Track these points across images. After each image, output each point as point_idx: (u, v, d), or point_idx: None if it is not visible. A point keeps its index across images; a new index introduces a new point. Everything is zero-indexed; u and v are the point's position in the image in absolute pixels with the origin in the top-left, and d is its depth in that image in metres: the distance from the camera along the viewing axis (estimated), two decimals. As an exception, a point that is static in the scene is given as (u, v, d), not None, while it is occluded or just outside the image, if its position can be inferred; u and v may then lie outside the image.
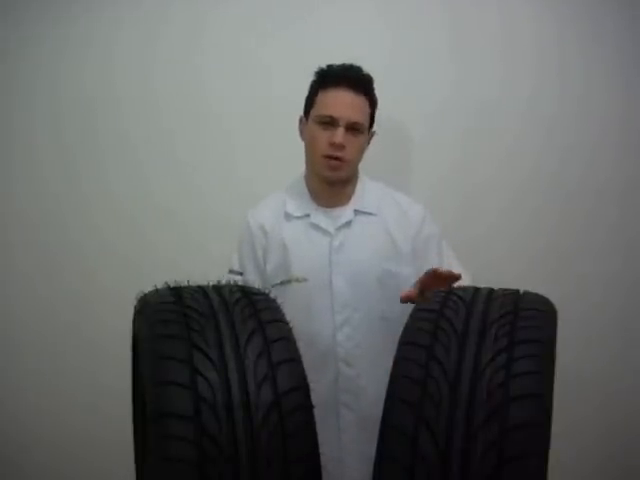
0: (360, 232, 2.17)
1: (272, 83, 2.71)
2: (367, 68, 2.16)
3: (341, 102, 2.09)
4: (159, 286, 1.67)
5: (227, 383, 1.45)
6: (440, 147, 2.73)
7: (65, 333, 2.84)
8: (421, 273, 2.12)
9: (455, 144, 2.73)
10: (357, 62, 2.15)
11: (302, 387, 1.53)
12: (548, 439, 1.57)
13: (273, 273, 2.18)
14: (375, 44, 2.69)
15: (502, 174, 2.73)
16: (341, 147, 2.09)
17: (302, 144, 2.20)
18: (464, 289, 1.71)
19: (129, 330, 1.75)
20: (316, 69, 2.17)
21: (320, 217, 2.18)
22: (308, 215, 2.19)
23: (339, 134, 2.08)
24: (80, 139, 2.81)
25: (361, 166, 2.22)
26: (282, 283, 2.15)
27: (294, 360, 1.55)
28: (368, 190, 2.24)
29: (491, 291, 1.65)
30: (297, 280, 2.14)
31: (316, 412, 1.55)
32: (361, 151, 2.17)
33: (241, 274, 2.19)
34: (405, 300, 1.94)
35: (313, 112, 2.14)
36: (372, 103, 2.16)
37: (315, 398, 1.55)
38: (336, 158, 2.11)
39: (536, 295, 1.65)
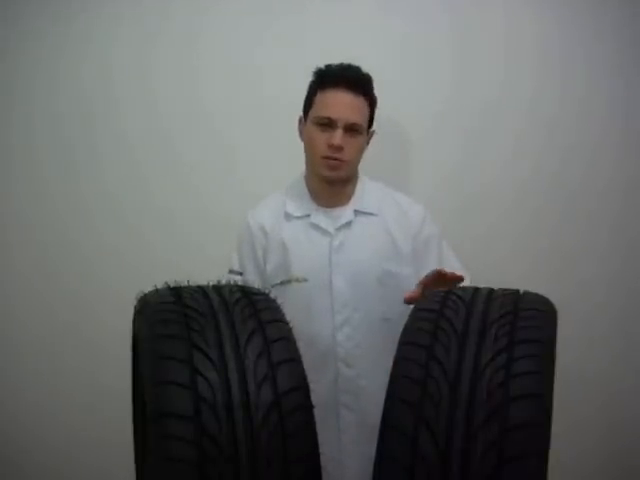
0: (360, 232, 2.17)
1: (272, 83, 2.71)
2: (367, 68, 2.16)
3: (339, 103, 2.09)
4: (159, 286, 1.67)
5: (227, 383, 1.44)
6: (441, 147, 2.73)
7: (64, 333, 2.84)
8: (421, 273, 2.13)
9: (456, 144, 2.73)
10: (358, 62, 2.15)
11: (302, 387, 1.53)
12: (548, 439, 1.56)
13: (273, 273, 2.17)
14: (375, 44, 2.68)
15: (503, 174, 2.73)
16: (340, 149, 2.09)
17: (302, 144, 2.20)
18: (464, 289, 1.71)
19: (129, 330, 1.74)
20: (315, 69, 2.17)
21: (320, 217, 2.18)
22: (308, 215, 2.19)
23: (337, 136, 2.08)
24: (79, 138, 2.81)
25: (361, 166, 2.22)
26: (282, 283, 2.15)
27: (294, 360, 1.55)
28: (368, 190, 2.24)
29: (491, 291, 1.65)
30: (297, 280, 2.14)
31: (316, 412, 1.54)
32: (360, 151, 2.17)
33: (241, 274, 2.19)
34: (409, 302, 1.93)
35: (312, 113, 2.14)
36: (371, 103, 2.15)
37: (315, 398, 1.55)
38: (335, 159, 2.11)
39: (536, 295, 1.65)
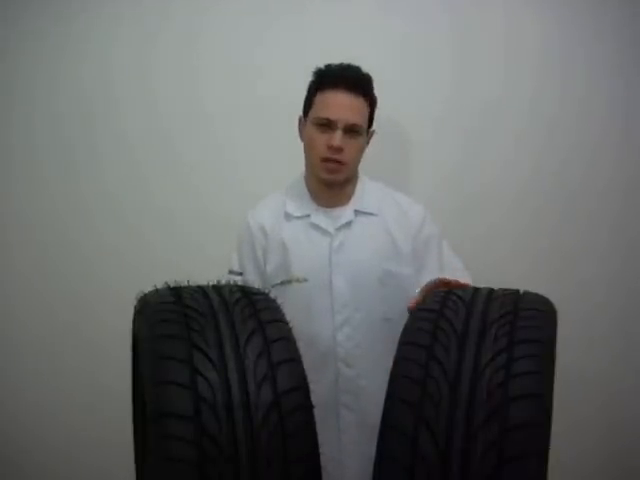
0: (360, 232, 2.17)
1: (272, 83, 2.71)
2: (367, 68, 2.15)
3: (339, 104, 2.09)
4: (159, 286, 1.67)
5: (227, 383, 1.45)
6: (441, 147, 2.73)
7: (64, 333, 2.84)
8: (421, 273, 2.14)
9: (456, 144, 2.73)
10: (358, 62, 2.15)
11: (302, 387, 1.53)
12: (548, 439, 1.57)
13: (273, 273, 2.17)
14: (375, 44, 2.68)
15: (503, 174, 2.73)
16: (339, 150, 2.09)
17: (302, 144, 2.20)
18: (464, 289, 1.71)
19: (129, 330, 1.75)
20: (314, 69, 2.16)
21: (320, 217, 2.18)
22: (308, 215, 2.19)
23: (337, 137, 2.08)
24: (79, 138, 2.81)
25: (361, 166, 2.22)
26: (282, 283, 2.14)
27: (294, 360, 1.55)
28: (368, 190, 2.23)
29: (491, 291, 1.65)
30: (297, 280, 2.14)
31: (316, 412, 1.55)
32: (360, 152, 2.17)
33: (241, 274, 2.19)
34: (413, 310, 1.92)
35: (311, 114, 2.14)
36: (371, 103, 2.15)
37: (315, 398, 1.55)
38: (335, 161, 2.10)
39: (536, 295, 1.65)
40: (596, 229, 2.73)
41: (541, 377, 1.46)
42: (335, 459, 2.08)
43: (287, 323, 1.62)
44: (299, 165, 2.23)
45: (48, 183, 2.82)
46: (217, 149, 2.77)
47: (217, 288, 1.65)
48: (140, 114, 2.78)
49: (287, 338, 1.58)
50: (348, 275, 2.13)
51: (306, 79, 2.17)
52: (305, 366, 1.57)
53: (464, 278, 2.01)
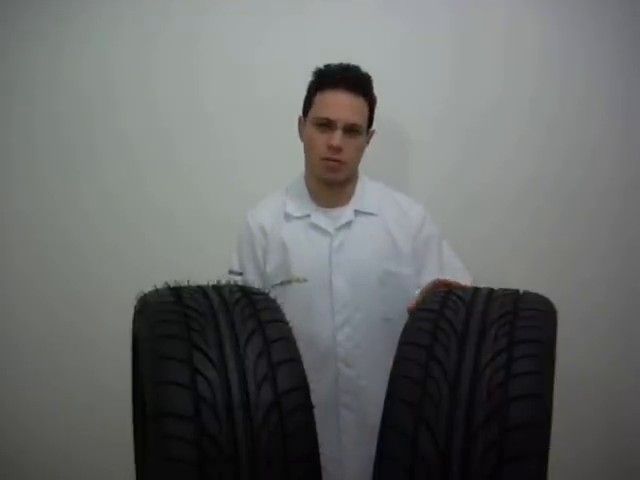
0: (360, 232, 2.17)
1: (272, 83, 2.71)
2: (367, 68, 2.15)
3: (339, 104, 2.08)
4: (159, 286, 1.67)
5: (227, 383, 1.45)
6: (442, 147, 2.73)
7: (64, 333, 2.84)
8: (421, 273, 2.14)
9: (456, 144, 2.73)
10: (358, 62, 2.14)
11: (302, 387, 1.53)
12: (548, 439, 1.57)
13: (273, 273, 2.17)
14: (376, 44, 2.68)
15: (504, 174, 2.73)
16: (339, 150, 2.08)
17: (301, 144, 2.19)
18: (464, 289, 1.71)
19: (129, 330, 1.75)
20: (314, 69, 2.16)
21: (320, 217, 2.18)
22: (308, 215, 2.19)
23: (337, 137, 2.08)
24: (79, 138, 2.81)
25: (361, 166, 2.22)
26: (282, 283, 2.14)
27: (294, 360, 1.55)
28: (368, 190, 2.23)
29: (491, 291, 1.65)
30: (297, 280, 2.13)
31: (316, 412, 1.55)
32: (360, 152, 2.17)
33: (241, 274, 2.19)
34: (412, 312, 1.92)
35: (311, 114, 2.14)
36: (371, 103, 2.15)
37: (315, 398, 1.55)
38: (334, 160, 2.10)
39: (536, 295, 1.65)
40: (596, 229, 2.73)
41: (541, 377, 1.46)
42: (335, 459, 2.08)
43: (287, 323, 1.62)
44: (299, 165, 2.23)
45: (48, 183, 2.82)
46: (217, 149, 2.77)
47: (217, 288, 1.65)
48: (140, 114, 2.78)
49: (287, 338, 1.58)
50: (348, 275, 2.13)
51: (306, 79, 2.17)
52: (305, 366, 1.57)
53: (464, 278, 2.02)
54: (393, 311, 2.06)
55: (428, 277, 2.06)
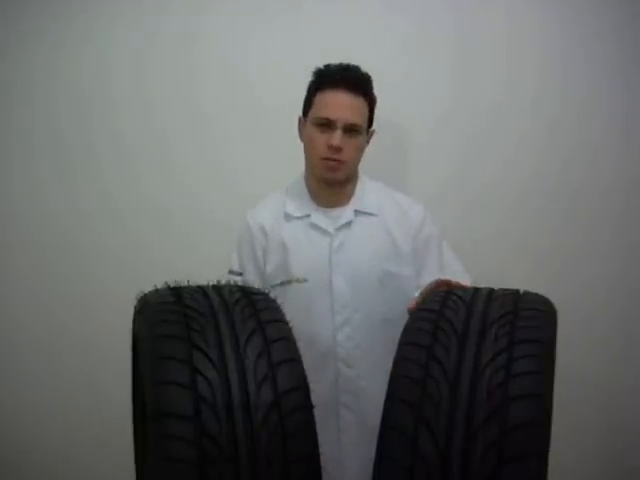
0: (360, 232, 2.17)
1: (271, 83, 2.71)
2: (368, 68, 2.15)
3: (339, 104, 2.08)
4: (159, 286, 1.67)
5: (227, 383, 1.45)
6: (443, 147, 2.73)
7: (63, 333, 2.84)
8: (421, 274, 2.14)
9: (457, 144, 2.73)
10: (358, 62, 2.14)
11: (302, 387, 1.53)
12: (548, 439, 1.56)
13: (273, 274, 2.17)
14: (376, 44, 2.68)
15: (505, 175, 2.73)
16: (339, 149, 2.08)
17: (301, 144, 2.19)
18: (464, 289, 1.71)
19: (129, 330, 1.75)
20: (314, 69, 2.16)
21: (320, 217, 2.18)
22: (308, 215, 2.19)
23: (337, 137, 2.08)
24: (77, 138, 2.80)
25: (361, 166, 2.22)
26: (282, 284, 2.14)
27: (294, 360, 1.55)
28: (368, 190, 2.23)
29: (491, 291, 1.65)
30: (297, 280, 2.13)
31: (316, 412, 1.54)
32: (360, 152, 2.17)
33: (241, 274, 2.19)
34: (412, 312, 1.92)
35: (311, 114, 2.14)
36: (370, 103, 2.15)
37: (315, 399, 1.55)
38: (334, 160, 2.10)
39: (536, 295, 1.65)
40: (598, 229, 2.73)
41: (541, 377, 1.46)
42: (335, 459, 2.08)
43: (287, 323, 1.62)
44: (299, 165, 2.23)
45: (46, 183, 2.82)
46: (215, 149, 2.77)
47: (217, 288, 1.65)
48: (138, 114, 2.78)
49: (287, 338, 1.58)
50: (348, 275, 2.13)
51: (305, 79, 2.17)
52: (305, 366, 1.57)
53: (464, 279, 2.01)
54: (393, 311, 2.05)
55: (428, 277, 2.06)
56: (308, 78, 2.17)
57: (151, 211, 2.79)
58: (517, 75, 2.71)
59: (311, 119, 2.13)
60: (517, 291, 1.65)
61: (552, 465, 1.59)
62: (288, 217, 2.20)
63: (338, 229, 2.16)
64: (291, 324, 1.62)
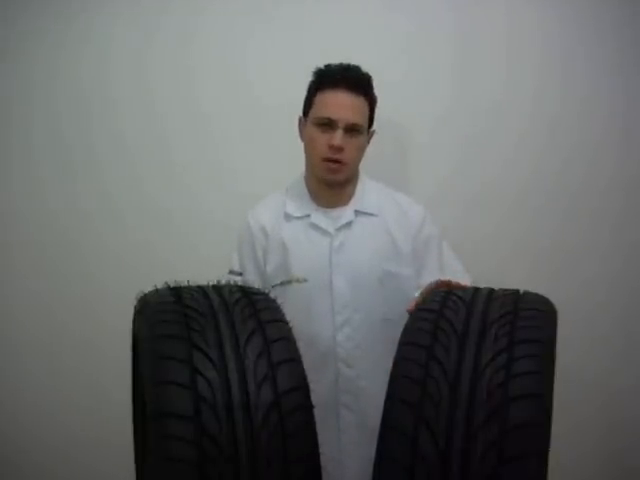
0: (360, 232, 2.16)
1: (271, 83, 2.70)
2: (368, 68, 2.15)
3: (339, 104, 2.08)
4: (159, 286, 1.67)
5: (227, 383, 1.45)
6: (443, 147, 2.72)
7: (63, 333, 2.84)
8: (421, 274, 2.14)
9: (458, 144, 2.73)
10: (359, 62, 2.14)
11: (302, 387, 1.53)
12: (548, 439, 1.56)
13: (273, 274, 2.17)
14: (376, 44, 2.68)
15: (505, 174, 2.72)
16: (340, 149, 2.08)
17: (301, 144, 2.19)
18: (464, 289, 1.71)
19: (129, 330, 1.75)
20: (314, 69, 2.16)
21: (320, 217, 2.18)
22: (308, 215, 2.18)
23: (337, 136, 2.08)
24: (77, 138, 2.80)
25: (361, 166, 2.22)
26: (282, 284, 2.14)
27: (294, 360, 1.55)
28: (368, 190, 2.23)
29: (491, 291, 1.65)
30: (297, 281, 2.13)
31: (316, 413, 1.54)
32: (361, 152, 2.17)
33: (241, 274, 2.19)
34: (412, 313, 1.92)
35: (311, 114, 2.14)
36: (371, 102, 2.15)
37: (315, 399, 1.55)
38: (335, 161, 2.10)
39: (536, 295, 1.65)
40: (598, 228, 2.73)
41: (541, 377, 1.46)
42: (335, 459, 2.07)
43: (287, 323, 1.62)
44: (299, 165, 2.23)
45: (46, 183, 2.82)
46: (215, 149, 2.77)
47: (217, 288, 1.65)
48: (138, 114, 2.78)
49: (287, 338, 1.58)
50: (348, 275, 2.13)
51: (305, 79, 2.17)
52: (305, 366, 1.57)
53: (464, 280, 2.01)
54: (393, 311, 2.05)
55: (428, 277, 2.06)
56: (308, 78, 2.17)
57: (151, 211, 2.79)
58: (517, 75, 2.71)
59: (312, 119, 2.13)
60: (517, 291, 1.65)
61: (552, 465, 1.59)
62: (288, 217, 2.20)
63: (338, 229, 2.16)
64: (291, 324, 1.62)
